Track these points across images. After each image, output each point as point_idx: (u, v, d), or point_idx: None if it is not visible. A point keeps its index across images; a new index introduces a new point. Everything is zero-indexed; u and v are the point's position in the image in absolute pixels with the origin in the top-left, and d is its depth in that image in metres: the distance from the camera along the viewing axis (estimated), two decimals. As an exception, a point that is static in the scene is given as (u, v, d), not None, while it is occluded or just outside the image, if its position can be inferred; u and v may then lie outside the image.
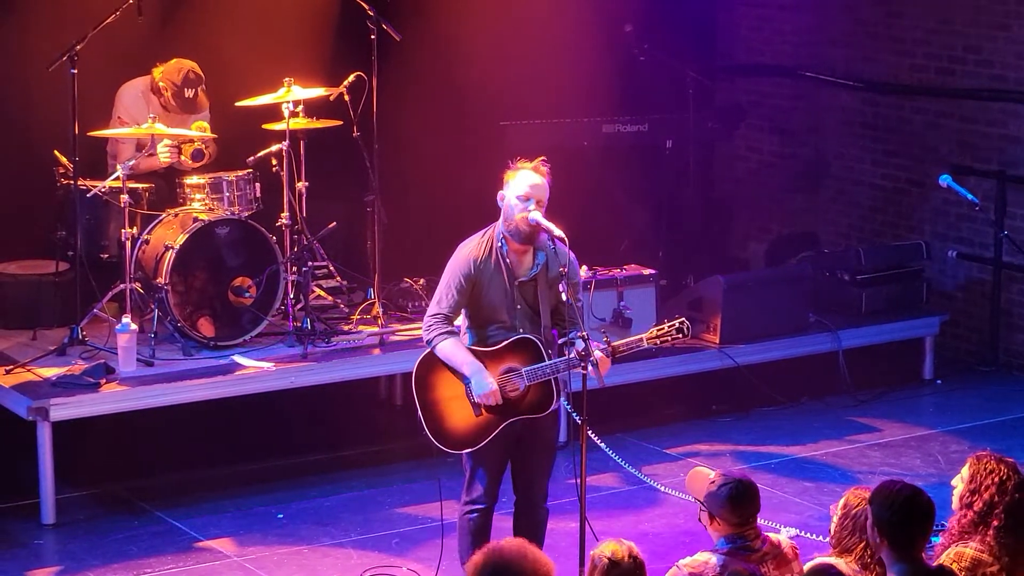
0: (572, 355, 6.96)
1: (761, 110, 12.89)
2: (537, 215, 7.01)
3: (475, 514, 7.23)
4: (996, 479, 5.96)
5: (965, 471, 6.09)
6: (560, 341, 7.11)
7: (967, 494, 6.01)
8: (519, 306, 7.11)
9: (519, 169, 7.13)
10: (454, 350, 7.08)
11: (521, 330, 7.11)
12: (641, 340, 7.11)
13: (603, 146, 11.52)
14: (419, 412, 7.13)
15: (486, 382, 7.02)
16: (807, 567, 5.74)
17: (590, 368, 6.85)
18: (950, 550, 5.95)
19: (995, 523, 5.92)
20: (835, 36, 12.35)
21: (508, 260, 7.11)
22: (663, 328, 7.11)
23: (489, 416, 7.09)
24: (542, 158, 7.18)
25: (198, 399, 9.02)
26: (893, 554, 5.54)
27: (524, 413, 7.12)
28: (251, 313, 9.44)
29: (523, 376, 7.06)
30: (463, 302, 7.13)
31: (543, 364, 7.05)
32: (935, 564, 5.75)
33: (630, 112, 11.62)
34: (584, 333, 6.89)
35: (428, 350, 7.17)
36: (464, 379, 7.08)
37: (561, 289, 6.99)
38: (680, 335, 7.10)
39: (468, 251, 7.14)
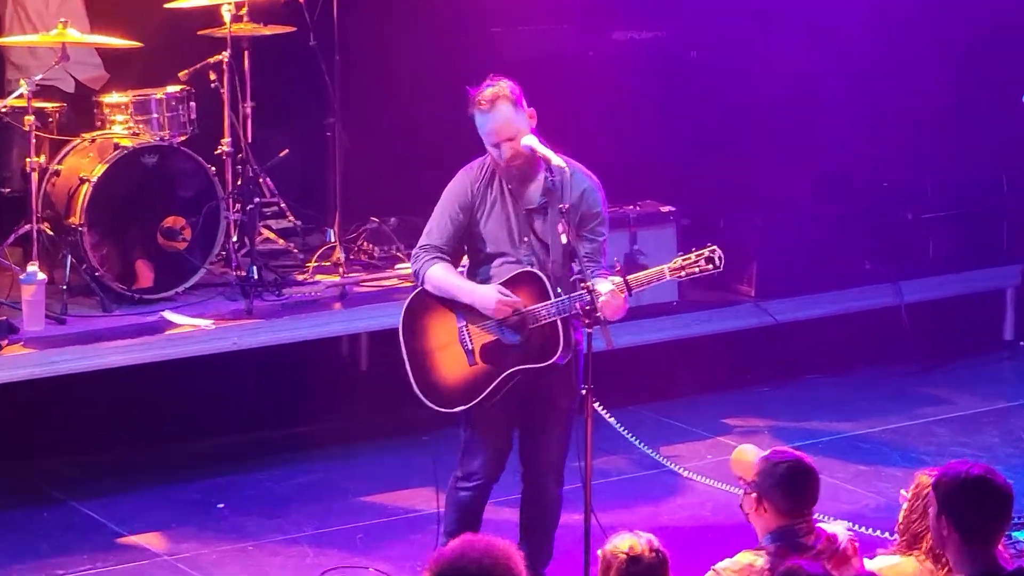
0: (581, 293, 6.94)
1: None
2: (532, 140, 7.09)
3: (467, 491, 7.34)
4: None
5: None
6: (573, 278, 7.05)
7: None
8: (526, 238, 7.22)
9: (473, 109, 7.15)
10: (446, 275, 7.20)
11: (529, 266, 7.18)
12: (663, 271, 7.11)
13: (613, 57, 11.48)
14: (407, 364, 7.26)
15: (488, 293, 7.08)
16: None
17: (615, 307, 6.91)
18: None
19: None
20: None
21: (511, 186, 7.20)
22: (689, 258, 7.09)
23: (485, 365, 7.17)
24: (490, 81, 7.14)
25: (120, 364, 9.04)
26: (963, 549, 5.48)
27: (525, 362, 7.12)
28: (185, 260, 9.44)
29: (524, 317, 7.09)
30: (458, 234, 7.26)
31: (547, 303, 7.06)
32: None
33: (645, 15, 11.52)
34: (590, 284, 6.91)
35: (416, 291, 7.30)
36: (459, 317, 7.16)
37: (584, 235, 7.08)
38: (711, 266, 7.07)
39: (466, 176, 7.31)
